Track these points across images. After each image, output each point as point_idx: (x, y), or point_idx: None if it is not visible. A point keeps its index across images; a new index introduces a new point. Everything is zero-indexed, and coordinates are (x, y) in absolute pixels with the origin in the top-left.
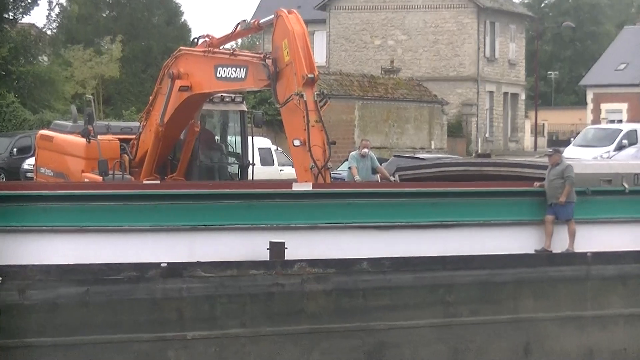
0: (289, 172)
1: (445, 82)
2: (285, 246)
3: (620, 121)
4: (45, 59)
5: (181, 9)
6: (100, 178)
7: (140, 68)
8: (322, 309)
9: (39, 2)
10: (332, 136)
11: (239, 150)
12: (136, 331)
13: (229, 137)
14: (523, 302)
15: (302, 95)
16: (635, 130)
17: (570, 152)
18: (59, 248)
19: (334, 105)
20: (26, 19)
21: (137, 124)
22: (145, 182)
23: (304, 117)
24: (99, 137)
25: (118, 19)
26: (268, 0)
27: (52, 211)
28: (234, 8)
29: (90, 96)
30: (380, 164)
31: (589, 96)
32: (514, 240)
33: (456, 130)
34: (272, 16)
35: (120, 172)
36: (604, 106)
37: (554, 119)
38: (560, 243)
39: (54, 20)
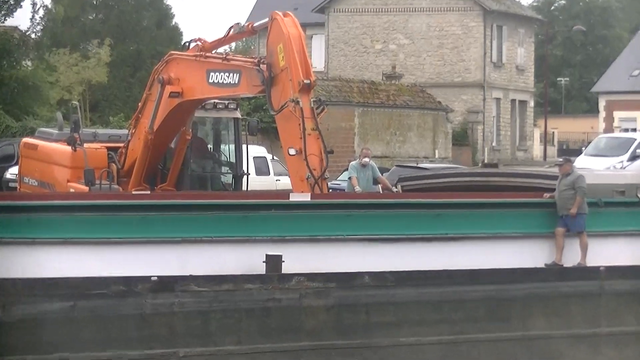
0: (285, 182)
1: (449, 88)
2: (283, 259)
3: (634, 130)
4: (29, 63)
5: (172, 11)
6: (86, 188)
7: (129, 73)
8: (322, 325)
9: (22, 3)
10: (331, 144)
11: (232, 159)
12: (124, 348)
13: (222, 146)
14: (533, 320)
15: (298, 102)
16: None
17: (581, 162)
18: (43, 261)
19: (332, 112)
20: (9, 22)
21: (125, 131)
22: (134, 192)
23: (299, 124)
24: (86, 145)
25: (105, 21)
26: (263, 2)
27: (36, 222)
28: (228, 10)
29: (77, 102)
30: (382, 174)
31: (601, 103)
32: (523, 254)
33: (461, 138)
34: (267, 19)
35: (108, 182)
36: (617, 114)
37: (565, 127)
38: (571, 257)
39: (38, 23)
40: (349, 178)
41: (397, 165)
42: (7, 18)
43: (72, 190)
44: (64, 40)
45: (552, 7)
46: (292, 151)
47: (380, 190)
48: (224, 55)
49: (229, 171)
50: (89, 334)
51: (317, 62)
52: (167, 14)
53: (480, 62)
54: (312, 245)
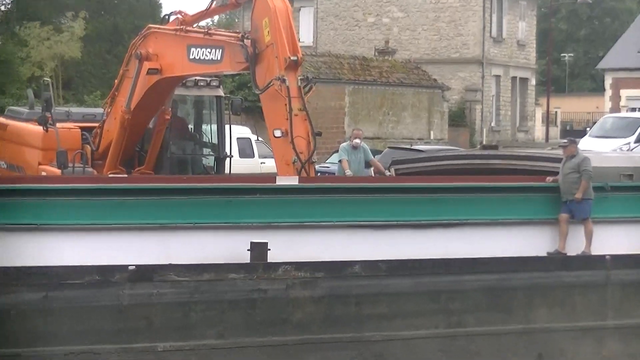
0: (270, 165)
1: (446, 64)
2: (268, 247)
3: None
4: None
5: None
6: (58, 171)
7: (105, 48)
8: (310, 317)
9: None
10: (320, 125)
11: (215, 141)
12: (101, 342)
13: (203, 126)
14: (535, 311)
15: (284, 80)
16: None
17: (586, 144)
18: (13, 249)
19: (321, 91)
20: None
21: (100, 110)
22: (109, 175)
23: (285, 104)
24: (58, 125)
25: None
26: None
27: (5, 208)
28: None
29: (49, 79)
30: (374, 156)
31: (608, 81)
32: (524, 242)
33: (458, 118)
34: None
35: (82, 165)
36: (624, 92)
37: (568, 106)
38: (575, 245)
39: None
40: (339, 161)
41: (390, 147)
42: None
43: (43, 173)
44: (36, 14)
45: None
46: (277, 133)
47: (373, 173)
48: (206, 30)
49: (211, 153)
50: (63, 326)
51: (305, 36)
52: None
53: (479, 36)
54: (300, 232)
